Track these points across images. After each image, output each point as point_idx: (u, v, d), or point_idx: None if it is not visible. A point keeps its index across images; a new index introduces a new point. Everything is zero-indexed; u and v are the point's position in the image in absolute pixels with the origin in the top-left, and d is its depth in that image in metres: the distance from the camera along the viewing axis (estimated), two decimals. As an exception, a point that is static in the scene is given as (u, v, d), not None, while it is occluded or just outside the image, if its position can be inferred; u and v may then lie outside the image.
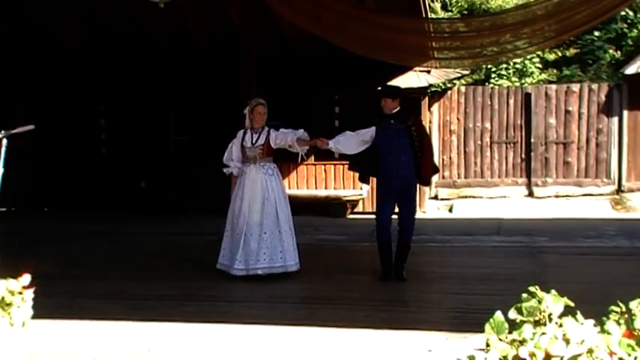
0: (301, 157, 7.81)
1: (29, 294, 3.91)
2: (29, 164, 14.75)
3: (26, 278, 3.90)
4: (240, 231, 7.50)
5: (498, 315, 2.57)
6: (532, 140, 14.80)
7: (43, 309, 4.17)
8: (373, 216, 7.79)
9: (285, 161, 7.94)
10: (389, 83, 10.63)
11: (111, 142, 15.28)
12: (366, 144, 7.48)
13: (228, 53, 12.63)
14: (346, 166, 14.10)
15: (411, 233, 7.49)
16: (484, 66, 15.03)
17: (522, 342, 2.46)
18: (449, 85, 14.97)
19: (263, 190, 7.59)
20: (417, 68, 13.49)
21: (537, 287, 2.61)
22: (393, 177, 7.32)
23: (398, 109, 7.47)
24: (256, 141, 7.71)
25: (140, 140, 14.83)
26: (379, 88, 8.02)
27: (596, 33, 15.37)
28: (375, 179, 7.94)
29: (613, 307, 2.57)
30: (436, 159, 15.01)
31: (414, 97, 13.97)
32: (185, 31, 13.53)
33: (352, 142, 7.56)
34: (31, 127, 4.89)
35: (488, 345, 2.52)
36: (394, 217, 7.49)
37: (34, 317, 3.97)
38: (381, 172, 7.47)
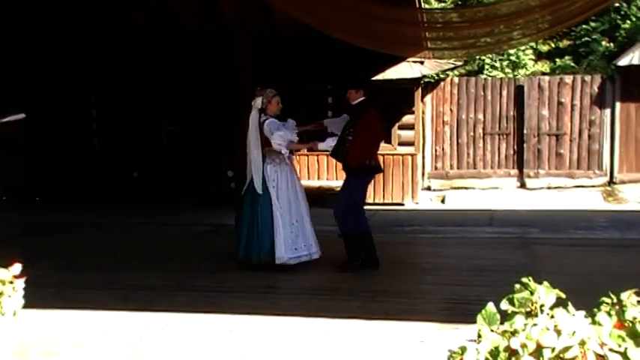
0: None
1: (20, 283, 3.89)
2: (21, 154, 14.71)
3: (17, 268, 3.89)
4: (287, 221, 7.51)
5: (490, 306, 2.57)
6: (525, 132, 14.82)
7: (34, 299, 4.16)
8: (366, 207, 7.81)
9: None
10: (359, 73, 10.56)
11: (103, 133, 15.23)
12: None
13: (221, 45, 12.58)
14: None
15: (342, 222, 7.53)
16: (477, 57, 15.01)
17: (514, 333, 2.46)
18: (442, 76, 14.96)
19: (295, 178, 7.83)
20: (410, 59, 13.46)
21: (529, 278, 2.61)
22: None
23: (362, 99, 7.50)
24: None
25: (132, 130, 14.78)
26: (344, 79, 8.06)
27: (590, 24, 15.37)
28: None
29: (604, 299, 2.57)
30: (428, 150, 15.04)
31: (407, 88, 13.97)
32: (178, 24, 13.46)
33: (341, 124, 7.72)
34: (22, 115, 4.89)
35: (479, 336, 2.52)
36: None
37: (25, 307, 3.96)
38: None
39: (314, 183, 14.19)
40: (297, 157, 13.97)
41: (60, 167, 14.93)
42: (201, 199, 13.91)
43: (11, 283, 3.86)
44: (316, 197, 13.91)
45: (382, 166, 8.87)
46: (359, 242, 7.54)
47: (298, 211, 7.60)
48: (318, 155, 14.22)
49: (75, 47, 14.19)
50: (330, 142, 7.69)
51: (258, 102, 7.66)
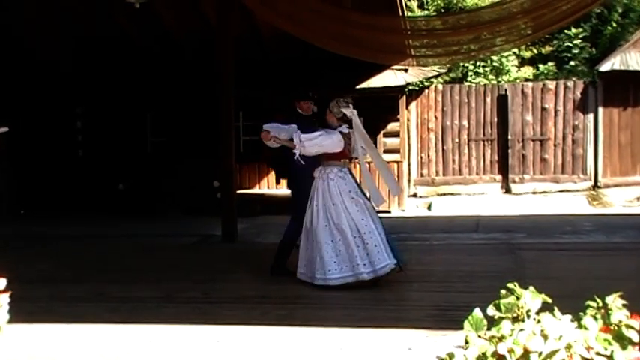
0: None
1: (5, 298, 3.87)
2: (5, 166, 14.61)
3: (2, 282, 3.87)
4: (355, 232, 7.05)
5: (477, 312, 2.58)
6: (509, 137, 14.89)
7: (19, 313, 4.14)
8: None
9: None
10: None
11: (88, 145, 15.16)
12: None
13: (205, 53, 12.59)
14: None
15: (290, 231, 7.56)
16: (461, 64, 15.08)
17: (501, 338, 2.48)
18: (426, 84, 15.02)
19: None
20: (394, 67, 13.51)
21: (515, 284, 2.62)
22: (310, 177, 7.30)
23: (315, 108, 7.55)
24: None
25: (117, 142, 14.72)
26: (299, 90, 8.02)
27: (572, 30, 15.49)
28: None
29: (590, 303, 2.59)
30: (414, 157, 15.09)
31: (391, 96, 14.01)
32: (162, 32, 13.46)
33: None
34: (4, 129, 4.85)
35: (467, 342, 2.53)
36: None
37: (10, 322, 3.94)
38: (301, 172, 7.41)
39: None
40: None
41: (45, 180, 14.84)
42: (188, 209, 13.88)
43: (-3, 297, 3.84)
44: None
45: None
46: None
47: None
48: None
49: (61, 59, 14.15)
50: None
51: (351, 111, 7.18)
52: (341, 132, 7.16)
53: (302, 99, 7.59)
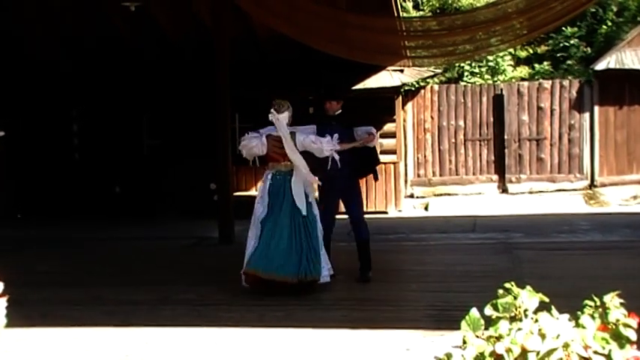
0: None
1: (2, 302, 3.85)
2: (1, 170, 14.58)
3: (-1, 286, 3.85)
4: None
5: (474, 312, 2.58)
6: (505, 137, 14.90)
7: (16, 317, 4.12)
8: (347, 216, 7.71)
9: (262, 164, 7.75)
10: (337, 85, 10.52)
11: (84, 148, 15.13)
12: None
13: (201, 55, 12.58)
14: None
15: (366, 229, 7.43)
16: (457, 64, 15.09)
17: (499, 338, 2.47)
18: (422, 84, 15.02)
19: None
20: (390, 67, 13.51)
21: (513, 283, 2.62)
22: (335, 176, 7.23)
23: (340, 111, 7.49)
24: None
25: (114, 145, 14.70)
26: (322, 90, 7.93)
27: (567, 30, 15.51)
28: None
29: (587, 302, 2.59)
30: (410, 158, 15.09)
31: (387, 97, 14.00)
32: (157, 34, 13.44)
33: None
34: (1, 133, 4.83)
35: (465, 342, 2.53)
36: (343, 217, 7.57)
37: (7, 326, 3.92)
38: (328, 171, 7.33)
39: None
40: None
41: (42, 183, 14.81)
42: (184, 212, 13.86)
43: (-7, 302, 3.82)
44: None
45: None
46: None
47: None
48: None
49: (57, 61, 14.13)
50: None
51: (286, 117, 7.01)
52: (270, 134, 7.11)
53: (332, 99, 7.50)
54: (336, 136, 7.14)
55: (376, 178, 7.96)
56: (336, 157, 7.10)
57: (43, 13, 12.85)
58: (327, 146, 7.05)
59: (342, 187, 7.36)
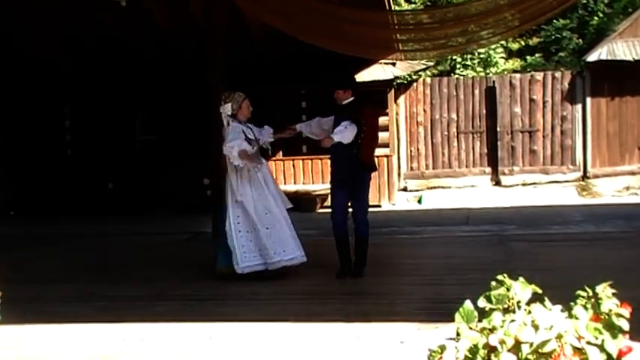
0: (268, 152, 7.71)
1: (-4, 299, 3.85)
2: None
3: (-8, 283, 3.85)
4: (262, 225, 7.27)
5: (468, 304, 2.58)
6: (498, 129, 14.93)
7: (10, 314, 4.11)
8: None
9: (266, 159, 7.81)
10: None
11: (77, 144, 15.11)
12: (325, 132, 7.44)
13: (194, 51, 12.55)
14: (315, 161, 14.19)
15: (367, 229, 7.38)
16: (449, 57, 15.10)
17: (492, 330, 2.48)
18: (414, 77, 15.03)
19: (270, 184, 7.55)
20: (382, 61, 13.51)
21: (506, 275, 2.62)
22: (344, 169, 7.26)
23: (350, 99, 7.41)
24: (254, 134, 7.56)
25: (106, 141, 14.68)
26: (333, 79, 7.87)
27: (559, 21, 15.52)
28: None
29: (580, 292, 2.60)
30: (403, 151, 15.10)
31: (380, 90, 14.01)
32: (151, 31, 13.40)
33: (315, 128, 7.64)
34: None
35: (458, 334, 2.53)
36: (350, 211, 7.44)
37: (1, 323, 3.92)
38: (333, 163, 7.44)
39: (291, 187, 14.19)
40: (274, 161, 14.03)
41: (35, 180, 14.79)
42: (178, 207, 13.85)
43: (-13, 299, 3.82)
44: (293, 202, 13.91)
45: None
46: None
47: (272, 218, 7.36)
48: (293, 160, 14.22)
49: (50, 59, 14.07)
50: (305, 127, 7.66)
51: (227, 108, 7.36)
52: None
53: (339, 88, 7.43)
54: (271, 137, 7.54)
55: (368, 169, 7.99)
56: (236, 162, 7.20)
57: (43, 13, 12.79)
58: (226, 150, 7.21)
59: (349, 183, 7.28)
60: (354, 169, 7.25)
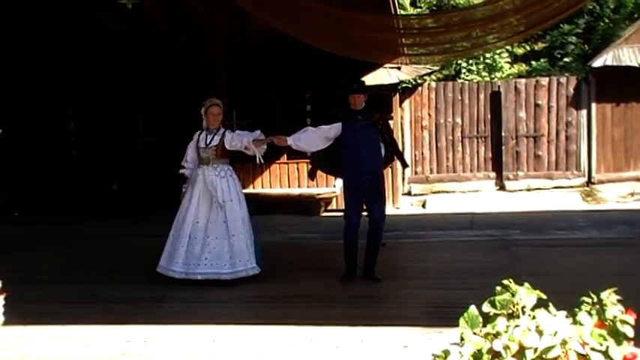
0: (258, 159, 7.54)
1: (0, 300, 3.85)
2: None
3: (-4, 284, 3.85)
4: (185, 234, 7.38)
5: (472, 309, 2.58)
6: (503, 134, 14.90)
7: (14, 315, 4.12)
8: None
9: (266, 162, 7.80)
10: (359, 79, 10.54)
11: (81, 145, 15.13)
12: (329, 141, 7.33)
13: (197, 53, 12.57)
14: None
15: (381, 234, 7.38)
16: (454, 61, 15.08)
17: (496, 335, 2.47)
18: (419, 81, 15.02)
19: (212, 193, 7.44)
20: (387, 65, 13.50)
21: (510, 280, 2.62)
22: (361, 173, 7.23)
23: (364, 104, 7.40)
24: (210, 142, 7.61)
25: (110, 142, 14.69)
26: (351, 84, 7.79)
27: (565, 27, 15.51)
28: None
29: (584, 298, 2.59)
30: (408, 155, 15.09)
31: (384, 94, 14.00)
32: (153, 32, 13.42)
33: (314, 138, 7.43)
34: (-2, 131, 4.82)
35: (462, 339, 2.53)
36: (364, 214, 7.41)
37: (4, 324, 3.92)
38: (348, 169, 7.33)
39: (295, 191, 14.20)
40: (278, 165, 14.05)
41: (39, 181, 14.81)
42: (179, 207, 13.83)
43: (-9, 299, 3.82)
44: (297, 205, 13.93)
45: None
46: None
47: (222, 228, 7.32)
48: (298, 163, 14.21)
49: (53, 59, 14.10)
50: (301, 140, 7.46)
51: (202, 111, 7.60)
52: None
53: (361, 92, 7.41)
54: (257, 132, 7.54)
55: (405, 165, 8.59)
56: (256, 152, 7.41)
57: (43, 13, 12.81)
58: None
59: (366, 187, 7.25)
60: (379, 176, 7.33)
